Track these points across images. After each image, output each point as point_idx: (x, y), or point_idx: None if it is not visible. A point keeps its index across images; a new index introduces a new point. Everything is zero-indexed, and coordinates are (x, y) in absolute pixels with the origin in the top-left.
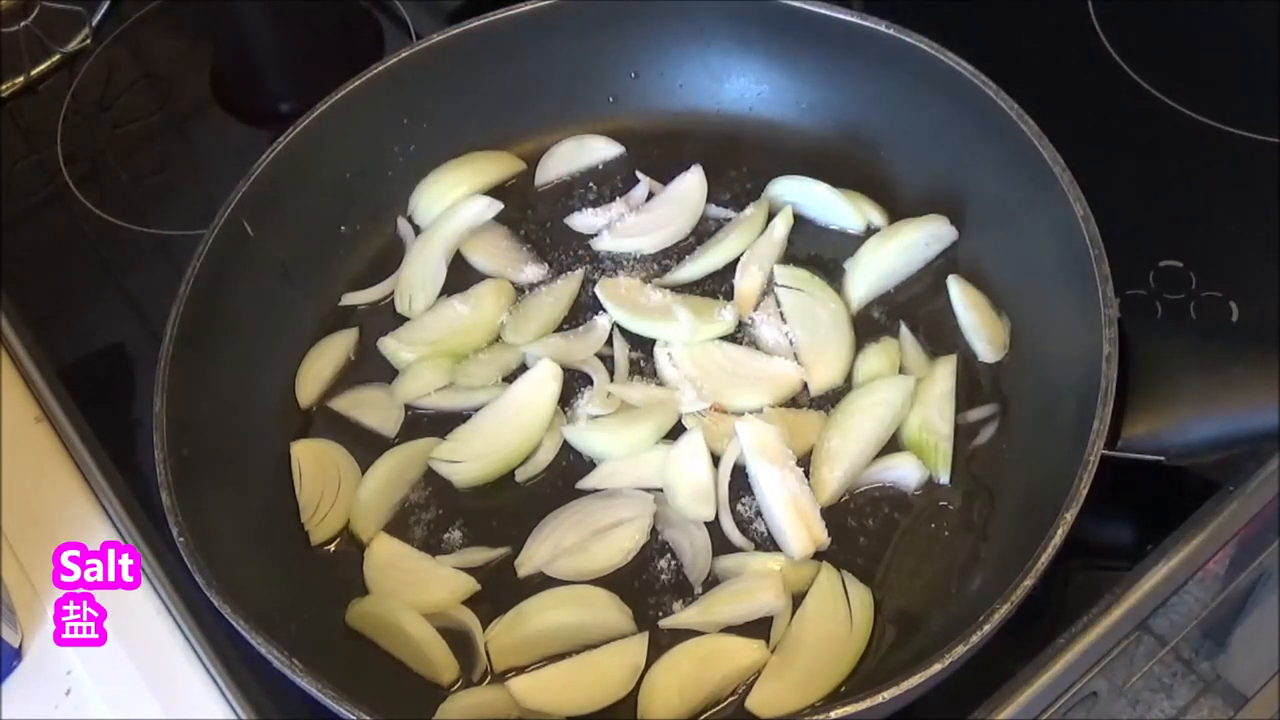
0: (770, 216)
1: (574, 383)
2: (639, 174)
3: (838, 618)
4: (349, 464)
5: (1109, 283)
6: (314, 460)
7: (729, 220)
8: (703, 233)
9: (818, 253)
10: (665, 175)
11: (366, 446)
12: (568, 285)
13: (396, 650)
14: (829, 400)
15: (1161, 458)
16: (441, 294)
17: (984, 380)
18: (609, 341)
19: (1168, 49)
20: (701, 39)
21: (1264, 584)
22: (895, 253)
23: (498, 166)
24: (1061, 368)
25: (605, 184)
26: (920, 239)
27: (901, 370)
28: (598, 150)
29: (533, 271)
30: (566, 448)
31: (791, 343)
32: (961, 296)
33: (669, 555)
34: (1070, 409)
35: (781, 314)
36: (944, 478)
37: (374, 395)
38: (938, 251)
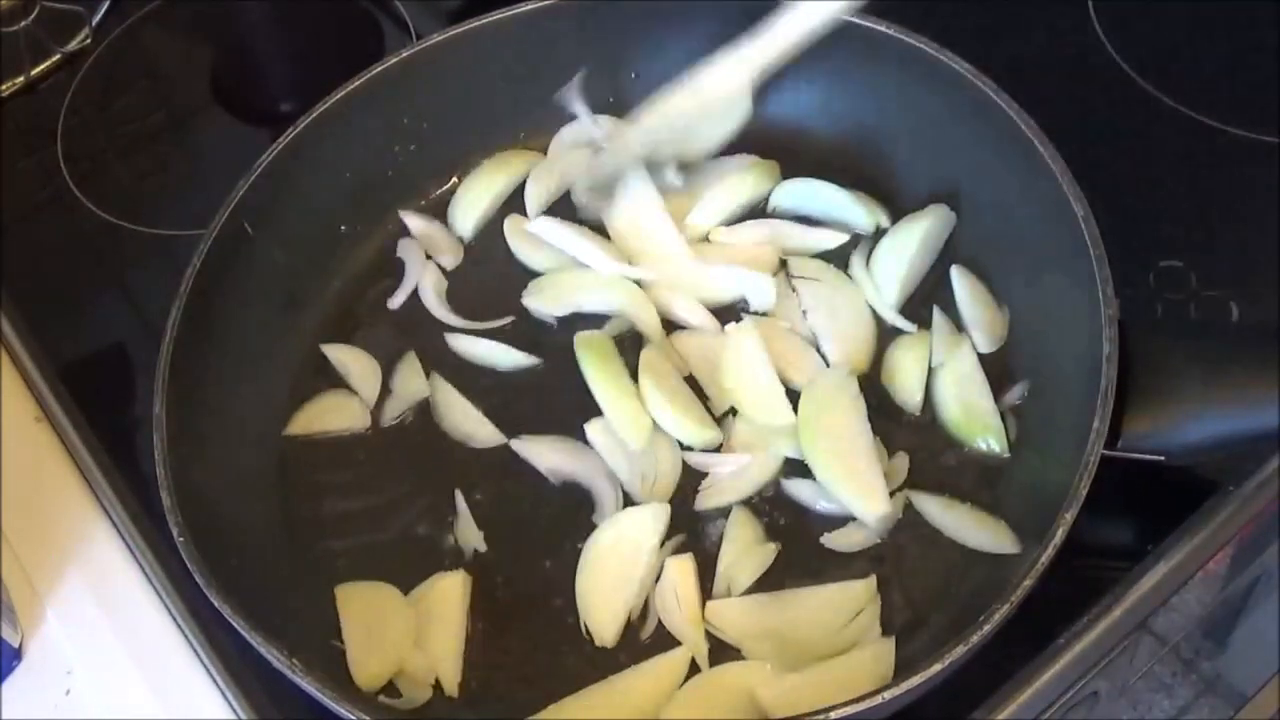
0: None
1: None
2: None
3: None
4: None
5: (1109, 283)
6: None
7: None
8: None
9: (823, 254)
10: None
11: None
12: None
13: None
14: None
15: (1162, 458)
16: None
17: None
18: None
19: (1168, 49)
20: (702, 39)
21: (1264, 584)
22: (918, 245)
23: (528, 163)
24: (1061, 367)
25: None
26: (934, 228)
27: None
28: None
29: None
30: None
31: (814, 332)
32: (964, 287)
33: None
34: (1070, 409)
35: (804, 310)
36: (998, 446)
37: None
38: (945, 239)
